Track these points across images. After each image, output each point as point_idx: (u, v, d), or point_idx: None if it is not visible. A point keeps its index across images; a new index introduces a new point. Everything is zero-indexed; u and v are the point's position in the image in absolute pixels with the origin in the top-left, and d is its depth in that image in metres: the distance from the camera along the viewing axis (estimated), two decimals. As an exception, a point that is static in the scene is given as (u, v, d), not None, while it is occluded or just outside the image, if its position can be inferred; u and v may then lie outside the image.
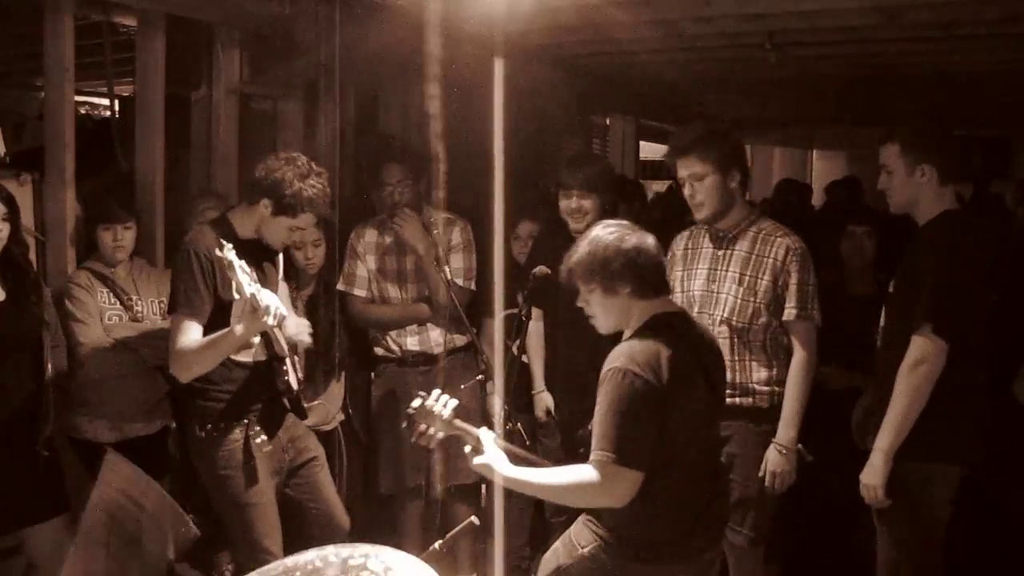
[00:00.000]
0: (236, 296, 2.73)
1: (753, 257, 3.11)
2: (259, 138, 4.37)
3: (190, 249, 2.94)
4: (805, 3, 3.99)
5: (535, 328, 3.72)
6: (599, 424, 2.34)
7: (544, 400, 3.78)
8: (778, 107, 8.30)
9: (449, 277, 3.56)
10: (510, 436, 2.81)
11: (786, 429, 3.07)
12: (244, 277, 2.68)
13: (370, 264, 3.80)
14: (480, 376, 3.27)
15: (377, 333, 3.84)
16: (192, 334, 2.88)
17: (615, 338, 3.39)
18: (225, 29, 4.04)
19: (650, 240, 2.49)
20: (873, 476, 2.87)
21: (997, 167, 8.96)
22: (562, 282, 2.54)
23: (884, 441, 2.85)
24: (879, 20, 4.07)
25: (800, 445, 3.10)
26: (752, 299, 3.09)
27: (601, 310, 2.49)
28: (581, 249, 2.47)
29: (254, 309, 2.70)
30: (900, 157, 2.91)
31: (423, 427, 2.57)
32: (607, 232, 2.47)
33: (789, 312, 3.08)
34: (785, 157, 11.94)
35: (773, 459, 3.08)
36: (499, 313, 3.71)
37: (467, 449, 2.51)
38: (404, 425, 2.62)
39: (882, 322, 3.06)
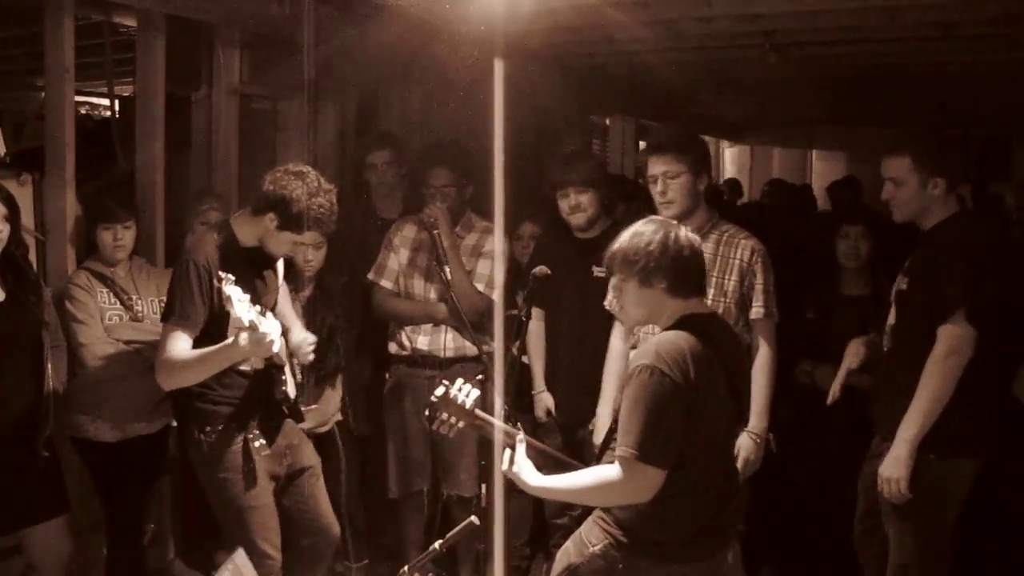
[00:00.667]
0: (234, 314, 2.73)
1: (718, 259, 3.21)
2: (259, 138, 4.37)
3: (189, 259, 2.93)
4: (805, 3, 4.00)
5: (535, 328, 3.73)
6: (624, 420, 2.34)
7: (544, 400, 3.79)
8: (778, 107, 8.30)
9: (449, 277, 3.56)
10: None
11: (759, 419, 3.19)
12: (243, 307, 2.67)
13: (402, 258, 3.82)
14: (480, 376, 3.27)
15: (394, 328, 3.85)
16: (181, 344, 2.87)
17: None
18: (225, 29, 4.05)
19: (695, 239, 2.48)
20: (897, 468, 2.84)
21: (997, 167, 8.96)
22: (606, 268, 2.52)
23: (909, 431, 2.83)
24: (879, 20, 4.08)
25: (770, 435, 3.24)
26: (722, 299, 3.19)
27: (633, 302, 2.47)
28: (624, 238, 2.46)
29: (253, 332, 2.70)
30: (913, 171, 2.92)
31: (444, 416, 2.57)
32: (653, 224, 2.47)
33: (756, 311, 3.21)
34: (785, 157, 11.95)
35: (747, 446, 3.17)
36: (500, 313, 3.71)
37: (505, 455, 2.50)
38: (426, 413, 2.63)
39: (891, 321, 3.06)
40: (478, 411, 2.58)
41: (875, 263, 3.90)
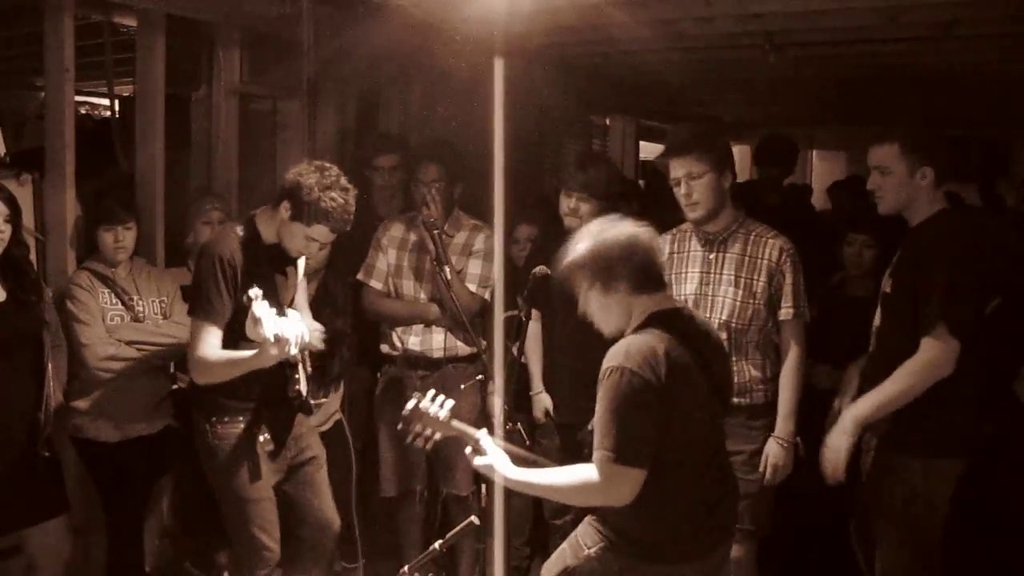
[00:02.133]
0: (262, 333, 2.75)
1: (747, 259, 3.17)
2: (259, 138, 4.37)
3: (214, 253, 2.95)
4: (805, 3, 3.99)
5: (533, 329, 3.72)
6: (599, 424, 2.34)
7: (542, 401, 3.79)
8: (778, 107, 8.29)
9: (448, 277, 3.56)
10: (510, 436, 2.81)
11: (786, 423, 3.16)
12: (268, 318, 2.69)
13: (391, 258, 3.81)
14: (480, 376, 3.27)
15: (386, 328, 3.85)
16: (212, 340, 2.90)
17: (615, 338, 3.42)
18: (225, 29, 4.04)
19: (644, 234, 2.46)
20: (840, 438, 2.83)
21: (997, 167, 8.95)
22: (561, 283, 2.54)
23: (861, 412, 2.84)
24: (879, 20, 4.07)
25: (798, 439, 3.19)
26: (751, 300, 3.14)
27: (601, 309, 2.47)
28: (575, 249, 2.46)
29: (277, 341, 2.71)
30: (901, 158, 2.89)
31: (419, 428, 2.57)
32: (600, 229, 2.46)
33: (786, 312, 3.16)
34: (785, 157, 11.91)
35: (775, 452, 3.15)
36: (499, 315, 3.71)
37: (468, 451, 2.51)
38: (399, 427, 2.63)
39: (876, 323, 3.05)
40: (454, 421, 2.57)
41: (880, 267, 3.91)
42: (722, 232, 3.21)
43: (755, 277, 3.16)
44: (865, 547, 3.31)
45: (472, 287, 3.73)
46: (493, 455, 2.46)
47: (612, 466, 2.29)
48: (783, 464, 3.15)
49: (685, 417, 2.36)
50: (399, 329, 3.80)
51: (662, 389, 2.30)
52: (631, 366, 2.30)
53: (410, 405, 2.56)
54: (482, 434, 2.52)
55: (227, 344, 2.95)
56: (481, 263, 3.77)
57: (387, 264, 3.82)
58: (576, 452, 3.56)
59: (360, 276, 3.84)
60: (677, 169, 3.16)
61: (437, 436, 2.58)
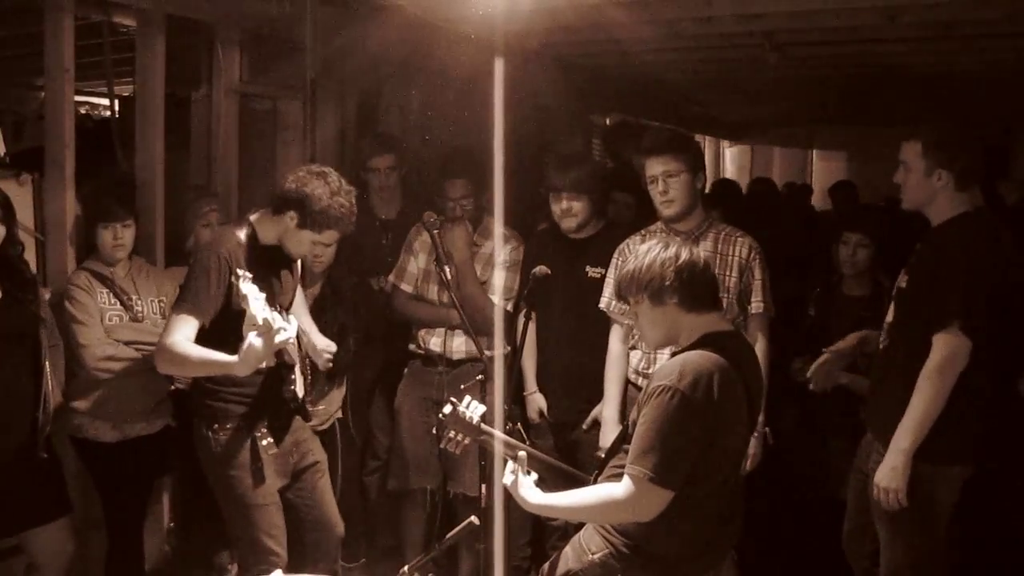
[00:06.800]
0: (249, 312, 2.72)
1: (718, 256, 3.29)
2: (259, 138, 4.37)
3: (212, 251, 2.94)
4: (805, 3, 3.99)
5: (528, 329, 3.72)
6: (640, 439, 2.31)
7: (536, 401, 3.80)
8: (778, 107, 8.30)
9: (448, 277, 3.56)
10: (509, 436, 2.82)
11: None
12: (258, 305, 2.67)
13: (420, 263, 3.85)
14: (480, 376, 3.28)
15: (414, 328, 3.90)
16: (185, 330, 2.84)
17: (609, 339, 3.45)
18: (225, 29, 4.04)
19: (700, 254, 2.49)
20: (894, 479, 2.83)
21: (997, 168, 8.96)
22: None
23: (905, 442, 2.81)
24: (879, 20, 4.07)
25: (767, 428, 3.30)
26: (724, 295, 3.23)
27: (649, 323, 2.47)
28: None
29: (267, 332, 2.68)
30: (921, 158, 2.89)
31: (452, 433, 2.59)
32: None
33: (756, 306, 3.31)
34: (785, 157, 11.96)
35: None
36: (499, 315, 3.71)
37: (507, 471, 2.48)
38: (434, 431, 2.65)
39: (889, 318, 3.05)
40: (483, 425, 2.60)
41: (875, 266, 3.92)
42: (693, 231, 3.31)
43: (727, 273, 3.28)
44: (856, 546, 3.31)
45: (495, 299, 3.75)
46: (522, 480, 2.45)
47: (647, 484, 2.27)
48: (753, 453, 3.25)
49: (723, 438, 2.36)
50: (422, 330, 3.84)
51: (709, 412, 2.29)
52: (684, 388, 2.28)
53: (447, 410, 2.58)
54: (519, 447, 2.52)
55: (211, 347, 2.87)
56: (506, 274, 3.77)
57: (417, 268, 3.86)
58: (570, 452, 3.59)
59: (392, 279, 3.90)
60: (654, 167, 3.28)
61: (467, 442, 2.61)
